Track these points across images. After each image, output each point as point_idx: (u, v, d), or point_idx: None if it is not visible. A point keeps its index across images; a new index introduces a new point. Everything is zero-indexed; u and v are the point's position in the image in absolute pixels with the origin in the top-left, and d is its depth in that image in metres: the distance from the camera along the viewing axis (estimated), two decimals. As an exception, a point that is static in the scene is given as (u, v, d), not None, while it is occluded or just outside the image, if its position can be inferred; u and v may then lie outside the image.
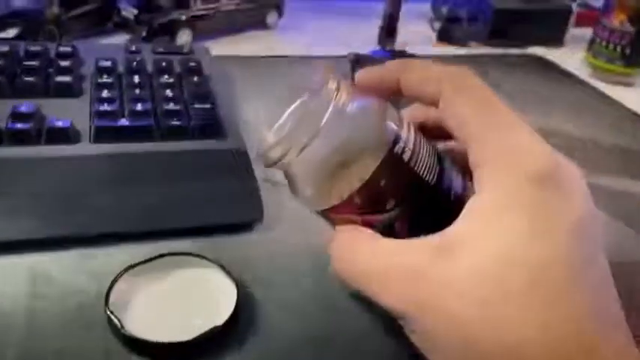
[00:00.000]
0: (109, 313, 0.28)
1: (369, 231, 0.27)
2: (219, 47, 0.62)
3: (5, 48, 0.46)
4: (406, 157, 0.26)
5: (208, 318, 0.29)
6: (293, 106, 0.28)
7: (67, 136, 0.38)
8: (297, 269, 0.34)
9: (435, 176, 0.27)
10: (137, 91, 0.44)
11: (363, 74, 0.30)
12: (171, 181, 0.38)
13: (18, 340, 0.28)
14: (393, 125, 0.27)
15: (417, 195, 0.27)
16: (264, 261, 0.35)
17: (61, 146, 0.38)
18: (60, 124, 0.39)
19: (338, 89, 0.26)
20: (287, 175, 0.29)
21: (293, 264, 0.35)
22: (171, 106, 0.42)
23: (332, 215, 0.28)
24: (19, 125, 0.38)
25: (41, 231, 0.33)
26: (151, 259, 0.31)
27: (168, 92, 0.44)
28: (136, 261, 0.31)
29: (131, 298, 0.30)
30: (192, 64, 0.49)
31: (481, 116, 0.25)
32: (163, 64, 0.48)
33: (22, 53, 0.47)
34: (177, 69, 0.49)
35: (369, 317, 0.31)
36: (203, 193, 0.37)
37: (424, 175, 0.26)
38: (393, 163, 0.26)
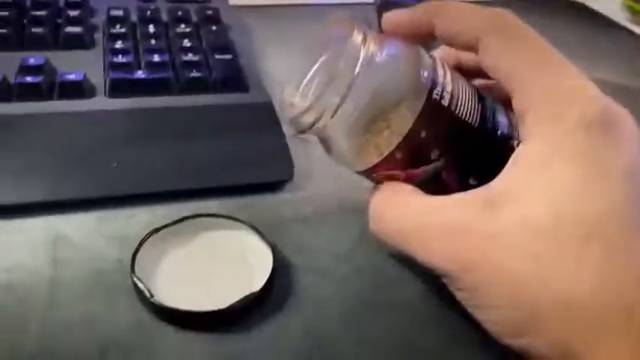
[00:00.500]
0: (135, 280, 0.26)
1: (410, 187, 0.25)
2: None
3: (11, -3, 0.43)
4: (446, 102, 0.24)
5: (243, 284, 0.27)
6: (317, 64, 0.26)
7: (80, 90, 0.36)
8: (332, 230, 0.32)
9: (478, 117, 0.25)
10: (153, 41, 0.41)
11: (391, 18, 0.27)
12: (194, 138, 0.35)
13: (41, 308, 0.26)
14: (427, 70, 0.24)
15: (461, 140, 0.25)
16: (297, 222, 0.32)
17: (74, 101, 0.36)
18: (73, 77, 0.36)
19: (365, 40, 0.24)
20: (322, 139, 0.27)
21: (327, 225, 0.32)
22: (189, 57, 0.40)
23: (374, 174, 0.26)
24: (28, 79, 0.35)
25: (58, 192, 0.31)
26: (177, 222, 0.29)
27: (186, 42, 0.41)
28: (160, 224, 0.29)
29: (158, 264, 0.28)
30: (210, 12, 0.46)
31: (525, 59, 0.24)
32: (179, 12, 0.45)
33: (28, 3, 0.44)
34: (194, 18, 0.45)
35: (408, 279, 0.29)
36: (228, 151, 0.35)
37: (467, 118, 0.25)
38: (433, 110, 0.24)
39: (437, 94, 0.24)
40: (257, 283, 0.27)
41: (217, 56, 0.40)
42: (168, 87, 0.37)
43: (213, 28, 0.44)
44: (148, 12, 0.44)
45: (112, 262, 0.28)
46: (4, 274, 0.27)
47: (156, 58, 0.39)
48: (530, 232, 0.21)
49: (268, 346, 0.25)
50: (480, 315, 0.23)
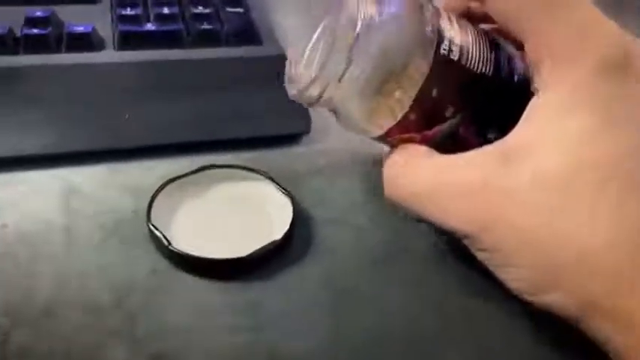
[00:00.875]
0: (152, 228, 0.25)
1: (423, 148, 0.24)
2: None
3: (13, -51, 0.42)
4: (455, 55, 0.23)
5: (262, 233, 0.26)
6: (319, 30, 0.25)
7: (89, 42, 0.35)
8: (347, 182, 0.31)
9: (492, 67, 0.24)
10: (162, -7, 0.39)
11: None
12: (206, 92, 0.34)
13: (55, 257, 0.25)
14: (431, 25, 0.23)
15: (476, 94, 0.24)
16: (314, 175, 0.31)
17: (83, 54, 0.34)
18: (81, 29, 0.35)
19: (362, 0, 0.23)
20: (332, 109, 0.25)
21: (344, 177, 0.31)
22: (200, 9, 0.38)
23: (389, 138, 0.25)
24: (35, 31, 0.34)
25: (69, 144, 0.30)
26: (193, 172, 0.28)
27: (196, -5, 0.40)
28: (172, 174, 0.28)
29: (174, 213, 0.27)
30: (219, -36, 0.44)
31: (534, 3, 0.22)
32: (188, -36, 0.43)
33: (31, -45, 0.43)
34: (203, -30, 0.44)
35: (423, 228, 0.28)
36: (243, 104, 0.33)
37: (480, 70, 0.23)
38: (442, 67, 0.23)
39: (444, 49, 0.23)
40: (276, 232, 0.26)
41: (228, 9, 0.39)
42: (178, 40, 0.36)
43: (224, -20, 0.42)
44: (156, -35, 0.43)
45: (127, 212, 0.28)
46: (16, 224, 0.26)
47: (165, 10, 0.38)
48: (544, 185, 0.20)
49: (287, 295, 0.25)
50: (501, 274, 0.22)
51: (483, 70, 0.23)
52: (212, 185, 0.28)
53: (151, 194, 0.27)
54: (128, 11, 0.37)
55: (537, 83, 0.22)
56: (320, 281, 0.26)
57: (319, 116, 0.34)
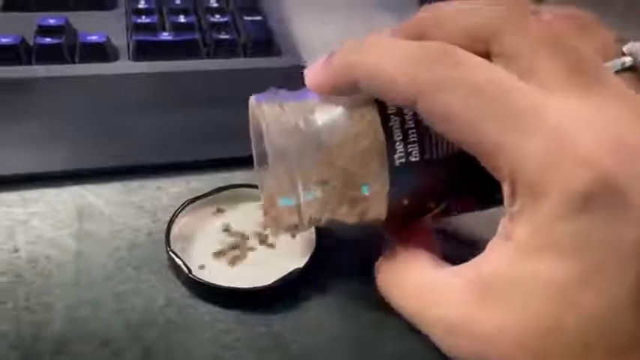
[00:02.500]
0: (171, 254, 0.24)
1: (415, 255, 0.22)
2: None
3: (26, -47, 0.41)
4: (415, 156, 0.20)
5: (284, 259, 0.25)
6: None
7: (103, 52, 0.34)
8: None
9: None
10: (177, 1, 0.38)
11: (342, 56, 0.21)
12: (223, 104, 0.32)
13: (67, 284, 0.24)
14: (377, 135, 0.20)
15: (453, 177, 0.21)
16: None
17: (97, 64, 0.33)
18: (95, 38, 0.34)
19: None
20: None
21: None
22: (217, 18, 0.37)
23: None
24: (48, 40, 0.33)
25: (82, 161, 0.29)
26: (212, 192, 0.27)
27: (212, 2, 0.39)
28: (191, 194, 0.27)
29: (193, 238, 0.26)
30: (237, -30, 0.43)
31: (491, 105, 0.18)
32: (204, -29, 0.42)
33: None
34: (220, -23, 0.43)
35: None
36: (261, 118, 0.32)
37: (447, 155, 0.21)
38: (403, 176, 0.21)
39: (400, 158, 0.20)
40: (301, 258, 0.25)
41: (246, 18, 0.38)
42: (195, 50, 0.35)
43: (241, -14, 0.41)
44: (171, -29, 0.42)
45: (142, 234, 0.26)
46: (28, 248, 0.25)
47: (181, 19, 0.37)
48: (511, 342, 0.18)
49: (306, 328, 0.24)
50: None
51: (450, 152, 0.21)
52: (231, 207, 0.27)
53: (169, 216, 0.26)
54: (143, 19, 0.36)
55: (505, 202, 0.18)
56: (344, 312, 0.24)
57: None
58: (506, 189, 0.18)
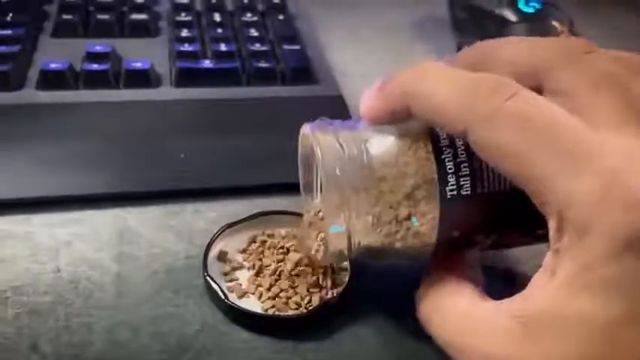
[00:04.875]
0: (208, 280, 0.24)
1: (458, 289, 0.22)
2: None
3: (76, -17, 0.43)
4: (467, 189, 0.20)
5: (318, 288, 0.25)
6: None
7: (147, 78, 0.35)
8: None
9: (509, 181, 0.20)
10: (219, 30, 0.39)
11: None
12: (262, 131, 0.33)
13: (107, 306, 0.24)
14: (429, 162, 0.20)
15: (503, 212, 0.21)
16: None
17: (141, 90, 0.34)
18: (139, 65, 0.35)
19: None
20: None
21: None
22: (257, 46, 0.38)
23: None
24: (95, 66, 0.34)
25: (125, 184, 0.30)
26: (249, 218, 0.27)
27: (253, 32, 0.40)
28: (229, 219, 0.27)
29: (230, 263, 0.26)
30: (276, 0, 0.44)
31: (546, 141, 0.17)
32: (244, 0, 0.43)
33: (94, -11, 0.43)
34: (260, 6, 0.44)
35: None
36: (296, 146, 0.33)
37: (499, 188, 0.21)
38: (454, 208, 0.21)
39: (452, 191, 0.20)
40: (336, 286, 0.25)
41: (285, 46, 0.38)
42: (235, 77, 0.36)
43: (280, 17, 0.42)
44: (213, 0, 0.43)
45: (180, 258, 0.27)
46: (70, 269, 0.26)
47: (222, 47, 0.37)
48: None
49: (342, 357, 0.23)
50: None
51: (503, 187, 0.21)
52: (269, 231, 0.27)
53: (206, 240, 0.26)
54: (186, 47, 0.37)
55: (550, 237, 0.18)
56: (379, 342, 0.24)
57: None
58: (552, 225, 0.18)
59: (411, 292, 0.25)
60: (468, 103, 0.18)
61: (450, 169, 0.20)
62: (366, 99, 0.22)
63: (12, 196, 0.28)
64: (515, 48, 0.21)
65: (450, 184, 0.20)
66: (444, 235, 0.21)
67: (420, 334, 0.24)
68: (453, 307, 0.21)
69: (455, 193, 0.20)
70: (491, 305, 0.20)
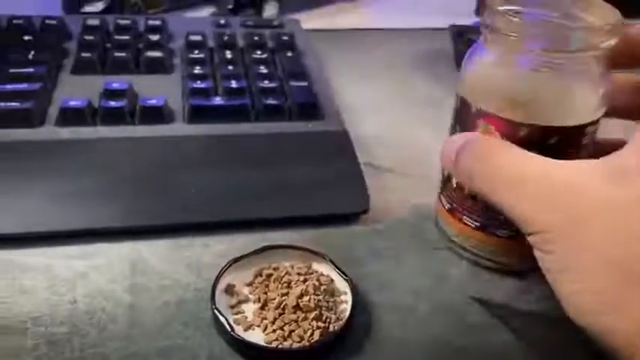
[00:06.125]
0: (216, 312, 0.25)
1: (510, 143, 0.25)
2: (307, 20, 0.59)
3: (95, 22, 0.45)
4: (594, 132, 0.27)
5: (321, 321, 0.26)
6: None
7: (161, 115, 0.36)
8: (410, 266, 0.31)
9: None
10: (230, 67, 0.41)
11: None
12: (270, 166, 0.35)
13: (121, 337, 0.26)
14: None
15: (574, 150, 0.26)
16: (373, 257, 0.31)
17: (155, 126, 0.36)
18: (154, 102, 0.37)
19: None
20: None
21: (404, 260, 0.31)
22: (266, 83, 0.40)
23: (482, 121, 0.27)
24: (112, 103, 0.36)
25: (137, 218, 0.31)
26: (256, 252, 0.29)
27: (262, 69, 0.41)
28: (237, 252, 0.29)
29: (237, 295, 0.27)
30: (285, 38, 0.46)
31: None
32: (255, 38, 0.45)
33: (111, 27, 0.45)
34: (270, 44, 0.46)
35: (492, 323, 0.27)
36: (305, 180, 0.34)
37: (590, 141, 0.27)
38: (583, 132, 0.26)
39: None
40: (338, 320, 0.26)
41: (293, 83, 0.40)
42: (245, 113, 0.37)
43: (289, 54, 0.44)
44: (225, 37, 0.45)
45: (190, 290, 0.28)
46: (86, 300, 0.27)
47: (233, 84, 0.39)
48: None
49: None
50: (561, 284, 0.21)
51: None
52: (274, 265, 0.29)
53: (215, 272, 0.28)
54: (198, 84, 0.39)
55: None
56: (379, 375, 0.25)
57: (378, 193, 0.35)
58: None
59: (411, 327, 0.26)
60: None
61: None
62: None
63: (31, 230, 0.30)
64: None
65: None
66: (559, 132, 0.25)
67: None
68: (523, 153, 0.24)
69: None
70: (574, 161, 0.23)
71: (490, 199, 0.24)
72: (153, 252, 0.30)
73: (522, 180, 0.23)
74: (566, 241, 0.21)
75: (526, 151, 0.24)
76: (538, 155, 0.24)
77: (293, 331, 0.25)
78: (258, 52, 0.43)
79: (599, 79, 0.26)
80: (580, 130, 0.26)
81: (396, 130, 0.43)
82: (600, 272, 0.20)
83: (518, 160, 0.24)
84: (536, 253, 0.23)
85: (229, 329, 0.25)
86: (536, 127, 0.25)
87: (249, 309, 0.27)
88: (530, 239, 0.23)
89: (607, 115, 0.27)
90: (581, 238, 0.21)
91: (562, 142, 0.26)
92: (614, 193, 0.21)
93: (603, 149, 0.24)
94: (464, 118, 0.28)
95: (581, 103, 0.26)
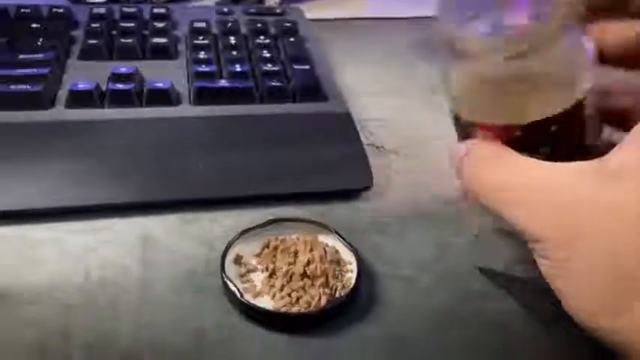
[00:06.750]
0: (225, 279, 0.26)
1: (509, 149, 0.25)
2: (308, 10, 0.59)
3: (102, 10, 0.46)
4: (586, 100, 0.25)
5: (327, 288, 0.27)
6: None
7: (168, 97, 0.37)
8: (411, 239, 0.31)
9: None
10: (234, 52, 0.42)
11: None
12: (274, 145, 0.35)
13: (133, 305, 0.26)
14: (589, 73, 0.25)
15: (582, 124, 0.25)
16: (376, 230, 0.32)
17: (162, 108, 0.37)
18: (160, 85, 0.37)
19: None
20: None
21: (406, 234, 0.32)
22: (269, 67, 0.40)
23: (478, 131, 0.26)
24: (120, 86, 0.37)
25: (146, 194, 0.32)
26: (264, 224, 0.29)
27: (265, 53, 0.42)
28: (242, 226, 0.29)
29: (246, 265, 0.28)
30: (288, 24, 0.47)
31: None
32: (258, 25, 0.46)
33: (117, 15, 0.46)
34: (272, 30, 0.46)
35: (493, 291, 0.28)
36: (308, 158, 0.35)
37: (590, 112, 0.25)
38: (577, 110, 0.25)
39: (585, 99, 0.25)
40: (344, 287, 0.27)
41: (296, 66, 0.41)
42: (249, 96, 0.38)
43: (291, 39, 0.45)
44: (229, 24, 0.46)
45: (200, 262, 0.29)
46: (97, 272, 0.28)
47: (237, 67, 0.40)
48: None
49: (350, 353, 0.25)
50: (563, 287, 0.21)
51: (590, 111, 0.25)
52: (281, 237, 0.29)
53: (224, 245, 0.28)
54: (203, 68, 0.39)
55: None
56: (382, 341, 0.26)
57: (380, 171, 0.35)
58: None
59: (413, 297, 0.27)
60: None
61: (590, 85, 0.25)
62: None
63: (42, 206, 0.30)
64: None
65: (587, 98, 0.25)
66: (553, 121, 0.24)
67: (421, 331, 0.26)
68: (513, 160, 0.24)
69: (585, 103, 0.25)
70: (565, 165, 0.23)
71: (488, 209, 0.24)
72: (162, 227, 0.31)
73: (512, 188, 0.23)
74: (563, 248, 0.21)
75: (520, 157, 0.24)
76: (533, 160, 0.24)
77: (300, 297, 0.26)
78: (261, 38, 0.44)
79: (575, 52, 0.25)
80: (577, 108, 0.25)
81: (399, 113, 0.43)
82: (598, 276, 0.20)
83: (510, 171, 0.23)
84: (536, 258, 0.23)
85: (239, 295, 0.25)
86: (531, 124, 0.24)
87: (258, 278, 0.28)
88: (529, 245, 0.23)
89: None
90: (578, 244, 0.21)
91: (564, 125, 0.25)
92: (609, 195, 0.21)
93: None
94: (460, 125, 0.27)
95: (566, 84, 0.25)
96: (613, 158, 0.21)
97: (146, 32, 0.44)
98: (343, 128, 0.37)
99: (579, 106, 0.25)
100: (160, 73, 0.40)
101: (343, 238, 0.29)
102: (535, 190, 0.22)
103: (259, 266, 0.28)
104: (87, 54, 0.41)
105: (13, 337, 0.24)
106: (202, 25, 0.45)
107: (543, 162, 0.23)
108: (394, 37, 0.55)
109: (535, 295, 0.28)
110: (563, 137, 0.25)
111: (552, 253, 0.21)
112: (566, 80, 0.25)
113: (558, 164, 0.23)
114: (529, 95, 0.24)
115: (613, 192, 0.21)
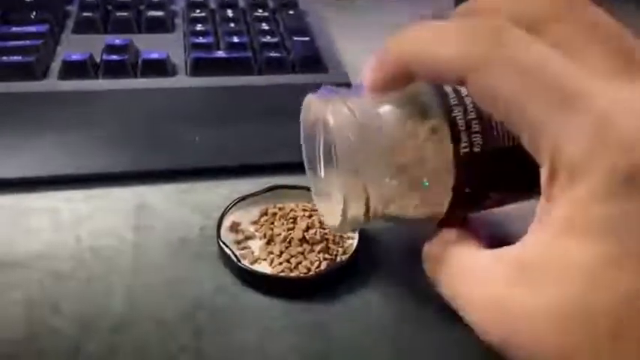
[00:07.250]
0: (221, 244, 0.25)
1: (461, 243, 0.22)
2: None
3: (96, -16, 0.45)
4: (477, 147, 0.21)
5: (327, 254, 0.26)
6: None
7: (163, 68, 0.36)
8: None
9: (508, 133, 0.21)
10: (232, 24, 0.41)
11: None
12: (273, 116, 0.34)
13: (126, 271, 0.25)
14: (440, 121, 0.21)
15: (510, 168, 0.22)
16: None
17: (157, 79, 0.36)
18: (156, 55, 0.37)
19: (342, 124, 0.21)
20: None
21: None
22: (268, 38, 0.39)
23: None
24: (114, 57, 0.36)
25: (141, 163, 0.31)
26: (262, 192, 0.29)
27: (264, 26, 0.41)
28: (238, 194, 0.29)
29: (243, 231, 0.27)
30: (287, -2, 0.46)
31: (538, 86, 0.18)
32: (256, -2, 0.45)
33: (112, -10, 0.45)
34: (271, 4, 0.45)
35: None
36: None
37: (505, 144, 0.21)
38: (467, 166, 0.21)
39: (465, 148, 0.21)
40: (343, 253, 0.26)
41: (295, 38, 0.40)
42: (247, 66, 0.37)
43: (290, 12, 0.44)
44: (226, -2, 0.45)
45: (195, 229, 0.28)
46: (90, 239, 0.27)
47: (235, 39, 0.39)
48: (559, 319, 0.17)
49: (350, 319, 0.24)
50: None
51: (507, 142, 0.21)
52: (279, 205, 0.29)
53: (218, 213, 0.28)
54: (200, 39, 0.39)
55: (542, 185, 0.19)
56: (383, 307, 0.25)
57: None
58: (545, 171, 0.18)
59: (413, 259, 0.26)
60: (464, 50, 0.19)
61: (461, 126, 0.21)
62: (366, 71, 0.22)
63: (36, 174, 0.30)
64: (508, 1, 0.21)
65: (462, 141, 0.21)
66: (457, 193, 0.21)
67: (421, 297, 0.25)
68: (455, 260, 0.22)
69: (467, 150, 0.21)
70: (489, 254, 0.21)
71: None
72: (156, 195, 0.30)
73: (454, 297, 0.21)
74: (510, 353, 0.19)
75: (459, 254, 0.22)
76: (464, 258, 0.21)
77: (300, 263, 0.25)
78: (260, 11, 0.43)
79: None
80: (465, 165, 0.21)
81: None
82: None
83: (452, 274, 0.22)
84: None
85: (235, 259, 0.25)
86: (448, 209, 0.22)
87: (255, 245, 0.27)
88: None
89: None
90: (517, 351, 0.19)
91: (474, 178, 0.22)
92: (525, 304, 0.18)
93: None
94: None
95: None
96: (526, 252, 0.19)
97: (142, 7, 0.43)
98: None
99: (463, 161, 0.21)
100: (156, 46, 0.39)
101: (343, 205, 0.28)
102: (471, 298, 0.20)
103: (257, 233, 0.27)
104: (81, 27, 0.40)
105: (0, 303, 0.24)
106: (199, -2, 0.44)
107: (474, 262, 0.21)
108: (395, 15, 0.54)
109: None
110: (488, 179, 0.22)
111: (503, 352, 0.19)
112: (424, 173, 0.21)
113: (485, 262, 0.20)
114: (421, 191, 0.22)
115: (525, 298, 0.18)
